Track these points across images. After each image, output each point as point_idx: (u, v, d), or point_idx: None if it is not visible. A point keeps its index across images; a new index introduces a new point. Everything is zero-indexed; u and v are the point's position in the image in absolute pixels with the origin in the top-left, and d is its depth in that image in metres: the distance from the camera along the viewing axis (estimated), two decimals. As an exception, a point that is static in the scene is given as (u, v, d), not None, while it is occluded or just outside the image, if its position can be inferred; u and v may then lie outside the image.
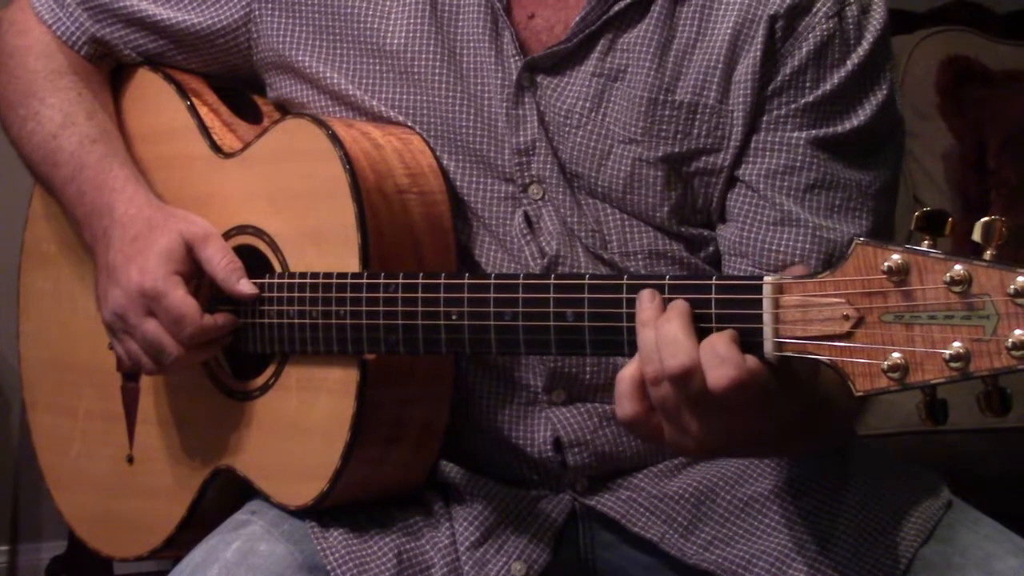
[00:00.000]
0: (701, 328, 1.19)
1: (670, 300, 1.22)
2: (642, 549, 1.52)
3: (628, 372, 1.21)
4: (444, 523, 1.49)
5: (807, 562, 1.44)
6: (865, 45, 1.48)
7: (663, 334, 1.19)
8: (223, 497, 1.57)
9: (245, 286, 1.49)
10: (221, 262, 1.49)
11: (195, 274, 1.51)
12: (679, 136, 1.48)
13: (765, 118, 1.47)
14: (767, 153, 1.47)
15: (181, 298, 1.47)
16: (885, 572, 1.43)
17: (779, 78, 1.47)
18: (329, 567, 1.43)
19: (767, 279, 1.17)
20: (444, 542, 1.47)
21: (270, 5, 1.60)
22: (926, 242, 1.11)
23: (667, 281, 1.22)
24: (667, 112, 1.47)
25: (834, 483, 1.49)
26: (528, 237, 1.49)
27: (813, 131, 1.47)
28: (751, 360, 1.17)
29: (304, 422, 1.47)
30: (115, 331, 1.54)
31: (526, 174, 1.50)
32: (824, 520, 1.46)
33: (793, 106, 1.47)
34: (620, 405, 1.22)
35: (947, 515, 1.48)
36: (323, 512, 1.47)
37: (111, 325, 1.54)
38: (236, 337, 1.52)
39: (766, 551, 1.46)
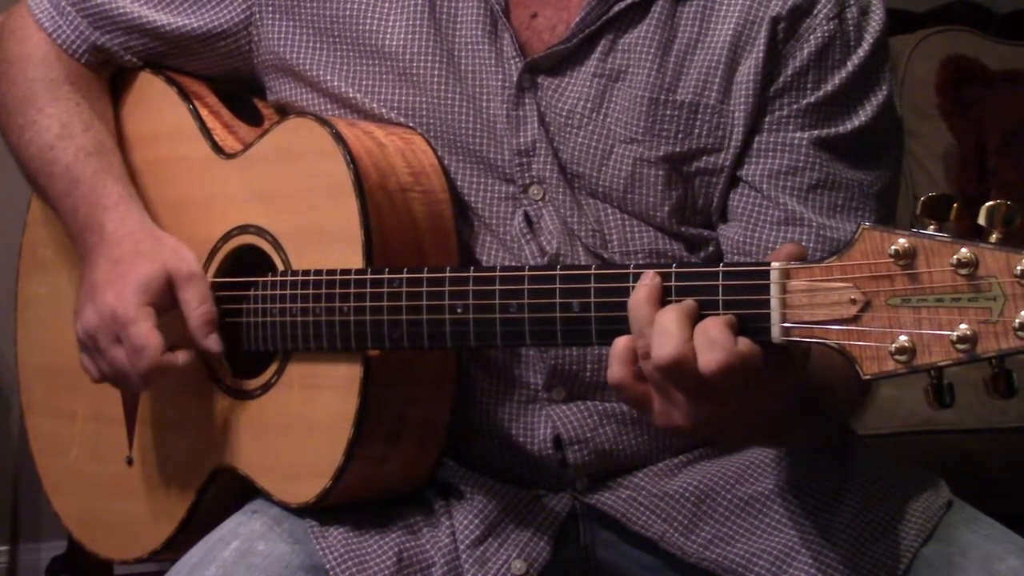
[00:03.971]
0: (706, 315, 1.19)
1: (672, 286, 1.22)
2: (642, 548, 1.52)
3: (624, 339, 1.22)
4: (444, 521, 1.49)
5: (807, 561, 1.44)
6: (865, 47, 1.49)
7: (658, 322, 1.19)
8: (223, 498, 1.57)
9: (212, 342, 1.49)
10: (197, 310, 1.50)
11: (171, 306, 1.52)
12: (680, 136, 1.49)
13: (767, 119, 1.48)
14: (770, 153, 1.48)
15: (147, 331, 1.48)
16: (886, 571, 1.43)
17: (781, 79, 1.48)
18: (328, 566, 1.43)
19: (774, 264, 1.18)
20: (444, 540, 1.47)
21: (270, 8, 1.60)
22: (932, 227, 1.11)
23: (674, 269, 1.22)
24: (668, 112, 1.48)
25: (834, 482, 1.49)
26: (528, 237, 1.50)
27: (815, 131, 1.48)
28: (743, 344, 1.17)
29: (306, 420, 1.47)
30: (85, 347, 1.55)
31: (526, 175, 1.51)
32: (824, 519, 1.46)
33: (795, 107, 1.48)
34: (610, 367, 1.22)
35: (947, 515, 1.49)
36: (324, 511, 1.47)
37: (82, 341, 1.55)
38: (238, 336, 1.52)
39: (766, 550, 1.46)
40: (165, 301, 1.51)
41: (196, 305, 1.50)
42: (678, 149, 1.49)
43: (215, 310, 1.51)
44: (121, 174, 1.61)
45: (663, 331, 1.18)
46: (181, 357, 1.50)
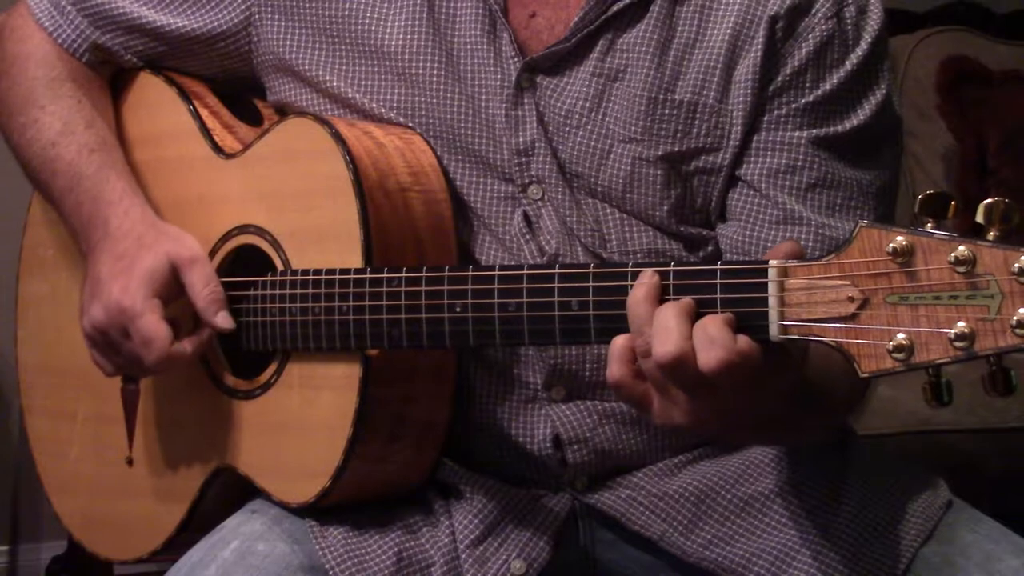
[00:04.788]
0: (705, 313, 1.19)
1: (670, 285, 1.22)
2: (642, 548, 1.52)
3: (622, 338, 1.22)
4: (444, 521, 1.49)
5: (807, 561, 1.44)
6: (863, 46, 1.49)
7: (658, 320, 1.19)
8: (223, 498, 1.57)
9: (222, 320, 1.50)
10: (203, 291, 1.50)
11: (179, 294, 1.52)
12: (679, 135, 1.49)
13: (766, 118, 1.48)
14: (768, 152, 1.48)
15: (155, 322, 1.48)
16: (885, 571, 1.43)
17: (779, 78, 1.48)
18: (328, 566, 1.43)
19: (772, 263, 1.17)
20: (444, 540, 1.47)
21: (269, 9, 1.60)
22: (929, 224, 1.11)
23: (672, 267, 1.22)
24: (667, 111, 1.48)
25: (834, 482, 1.49)
26: (527, 236, 1.50)
27: (814, 131, 1.48)
28: (742, 341, 1.17)
29: (306, 419, 1.47)
30: (95, 342, 1.55)
31: (525, 174, 1.51)
32: (824, 519, 1.46)
33: (793, 106, 1.48)
34: (609, 367, 1.22)
35: (947, 515, 1.49)
36: (323, 511, 1.47)
37: (90, 336, 1.55)
38: (238, 336, 1.52)
39: (766, 550, 1.46)
40: (172, 290, 1.51)
41: (202, 287, 1.50)
42: (677, 148, 1.49)
43: (221, 289, 1.51)
44: (124, 170, 1.62)
45: (663, 328, 1.18)
46: (190, 346, 1.50)
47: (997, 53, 3.45)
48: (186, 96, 1.64)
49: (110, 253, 1.54)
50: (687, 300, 1.20)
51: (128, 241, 1.54)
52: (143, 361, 1.50)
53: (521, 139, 1.51)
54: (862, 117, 1.49)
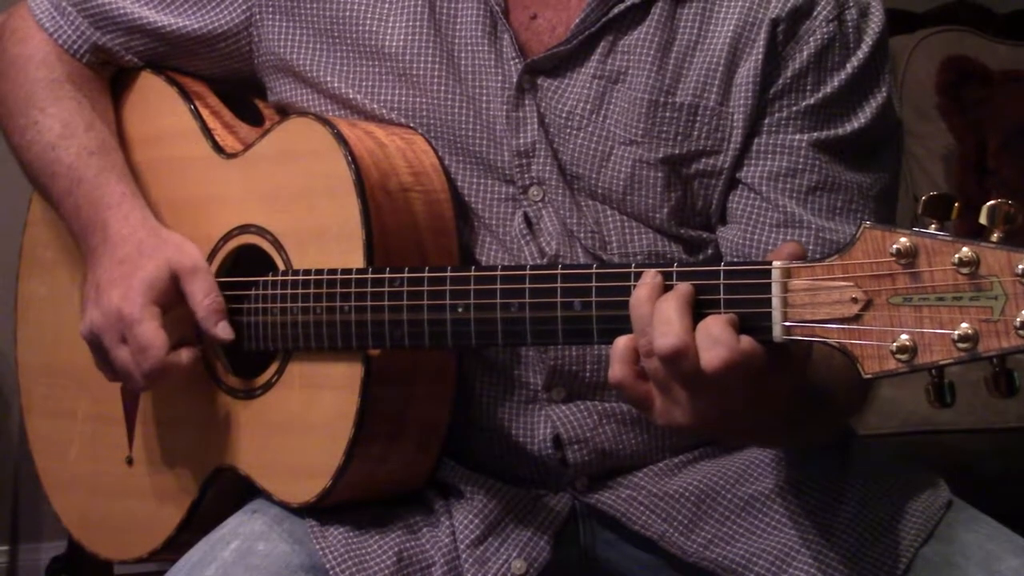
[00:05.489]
0: (708, 314, 1.19)
1: (673, 285, 1.22)
2: (642, 547, 1.52)
3: (625, 338, 1.22)
4: (444, 521, 1.49)
5: (807, 561, 1.44)
6: (864, 48, 1.50)
7: (658, 312, 1.19)
8: (223, 498, 1.57)
9: (222, 330, 1.50)
10: (204, 301, 1.50)
11: (177, 303, 1.52)
12: (679, 138, 1.49)
13: (767, 121, 1.49)
14: (769, 155, 1.48)
15: (153, 330, 1.48)
16: (886, 571, 1.43)
17: (780, 81, 1.48)
18: (328, 566, 1.43)
19: (776, 263, 1.18)
20: (444, 540, 1.47)
21: (270, 9, 1.61)
22: (933, 226, 1.12)
23: (675, 268, 1.22)
24: (668, 114, 1.49)
25: (834, 482, 1.49)
26: (528, 238, 1.50)
27: (814, 133, 1.48)
28: (745, 341, 1.17)
29: (307, 419, 1.47)
30: (92, 347, 1.55)
31: (526, 176, 1.51)
32: (824, 519, 1.46)
33: (794, 109, 1.48)
34: (612, 367, 1.23)
35: (947, 515, 1.49)
36: (324, 511, 1.47)
37: (88, 341, 1.55)
38: (239, 336, 1.52)
39: (766, 550, 1.46)
40: (171, 298, 1.51)
41: (202, 296, 1.50)
42: (677, 151, 1.49)
43: (222, 299, 1.51)
44: (124, 173, 1.62)
45: (664, 320, 1.18)
46: (185, 356, 1.50)
47: (997, 53, 3.46)
48: (187, 96, 1.64)
49: (110, 258, 1.54)
50: (685, 286, 1.20)
51: (129, 246, 1.54)
52: (135, 370, 1.49)
53: (522, 140, 1.51)
54: (863, 120, 1.49)
